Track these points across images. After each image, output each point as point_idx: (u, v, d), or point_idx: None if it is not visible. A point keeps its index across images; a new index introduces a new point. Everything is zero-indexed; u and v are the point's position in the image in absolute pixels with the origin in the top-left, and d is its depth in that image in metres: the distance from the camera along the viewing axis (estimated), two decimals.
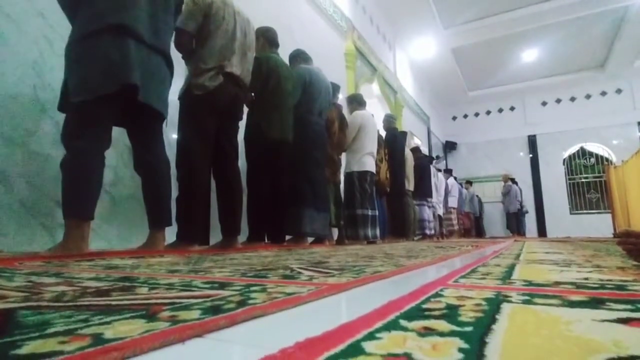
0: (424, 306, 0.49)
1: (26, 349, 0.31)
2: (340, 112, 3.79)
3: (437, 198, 6.94)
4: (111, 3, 1.67)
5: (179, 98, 2.23)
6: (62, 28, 1.96)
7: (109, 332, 0.35)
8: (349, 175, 3.93)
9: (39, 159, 1.97)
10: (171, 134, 2.50)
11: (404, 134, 5.65)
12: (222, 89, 2.21)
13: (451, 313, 0.44)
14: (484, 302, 0.51)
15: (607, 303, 0.50)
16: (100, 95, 1.60)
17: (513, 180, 9.90)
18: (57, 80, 1.87)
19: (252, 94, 2.77)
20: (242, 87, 2.41)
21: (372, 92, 6.63)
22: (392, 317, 0.42)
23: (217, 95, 2.20)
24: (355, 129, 3.93)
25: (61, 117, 1.72)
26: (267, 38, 2.88)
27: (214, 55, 2.20)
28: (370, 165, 3.99)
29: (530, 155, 10.87)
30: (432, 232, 6.26)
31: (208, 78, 2.16)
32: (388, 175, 4.71)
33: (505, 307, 0.48)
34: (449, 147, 11.71)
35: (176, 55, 2.18)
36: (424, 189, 6.02)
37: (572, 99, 10.57)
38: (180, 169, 2.16)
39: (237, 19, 2.34)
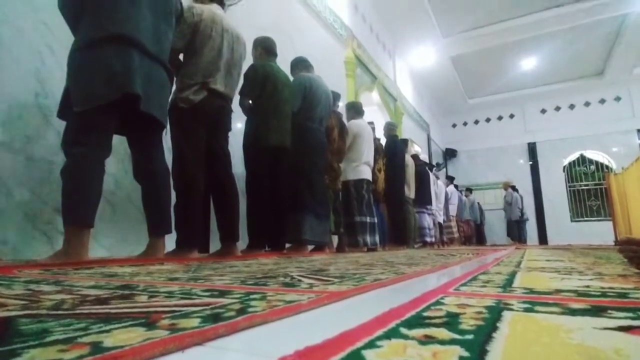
0: (425, 314, 0.49)
1: (25, 357, 0.30)
2: (340, 119, 3.80)
3: (437, 205, 6.94)
4: (114, 13, 1.68)
5: (167, 112, 2.24)
6: (64, 36, 1.97)
7: (108, 341, 0.35)
8: (345, 184, 3.93)
9: (40, 166, 1.97)
10: (170, 142, 2.51)
11: (405, 141, 5.66)
12: (206, 102, 2.24)
13: (452, 321, 0.44)
14: (484, 310, 0.51)
15: (609, 311, 0.50)
16: (102, 103, 1.61)
17: (514, 188, 9.91)
18: (58, 88, 1.88)
19: (250, 101, 2.78)
20: (228, 101, 2.43)
21: (372, 100, 6.67)
22: (392, 325, 0.42)
23: (202, 107, 2.22)
24: (350, 137, 3.94)
25: (62, 124, 1.73)
26: (264, 47, 2.90)
27: (199, 71, 2.23)
28: (366, 173, 4.00)
29: (530, 163, 10.89)
30: (433, 239, 6.24)
31: (192, 92, 2.19)
32: (384, 185, 4.71)
33: (506, 315, 0.48)
34: (449, 154, 11.74)
35: None
36: (424, 197, 6.01)
37: (572, 107, 10.62)
38: (176, 178, 2.18)
39: (225, 36, 2.35)
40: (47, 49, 2.06)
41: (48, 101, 2.03)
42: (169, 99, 2.23)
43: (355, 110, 4.23)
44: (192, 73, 2.22)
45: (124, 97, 1.66)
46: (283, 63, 3.13)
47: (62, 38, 2.03)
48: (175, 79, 2.28)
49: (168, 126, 2.02)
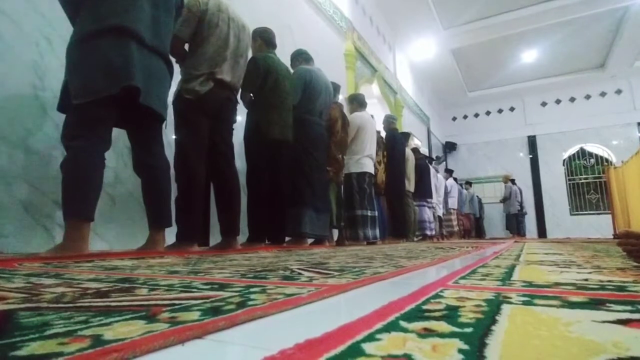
0: (424, 307, 0.49)
1: (26, 350, 0.31)
2: (342, 111, 3.79)
3: (437, 199, 6.94)
4: (113, 5, 1.67)
5: (172, 102, 2.23)
6: (62, 28, 1.96)
7: (108, 334, 0.35)
8: (347, 177, 3.93)
9: (39, 159, 1.97)
10: (170, 135, 2.50)
11: (406, 135, 5.65)
12: (212, 94, 2.23)
13: (451, 314, 0.44)
14: (484, 303, 0.51)
15: (607, 304, 0.50)
16: (102, 96, 1.60)
17: (512, 181, 9.91)
18: (57, 81, 1.87)
19: (251, 94, 2.77)
20: (234, 91, 2.42)
21: (372, 92, 6.64)
22: (392, 318, 0.42)
23: (208, 99, 2.21)
24: (353, 130, 3.92)
25: (61, 117, 1.72)
26: (264, 39, 2.88)
27: (205, 61, 2.22)
28: (368, 166, 3.99)
29: (530, 156, 10.88)
30: (432, 233, 6.26)
31: (199, 83, 2.18)
32: (384, 178, 4.71)
33: (505, 308, 0.48)
34: (449, 147, 11.71)
35: (173, 58, 2.18)
36: (423, 190, 6.02)
37: (572, 100, 10.58)
38: (178, 171, 2.18)
39: (231, 26, 2.34)
40: (45, 41, 2.04)
41: (46, 94, 2.02)
42: (175, 90, 2.22)
43: (358, 102, 4.21)
44: (198, 63, 2.21)
45: (124, 90, 1.65)
46: (282, 55, 3.10)
47: (61, 30, 2.02)
48: (180, 69, 2.27)
49: (168, 119, 2.01)
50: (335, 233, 3.90)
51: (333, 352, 0.30)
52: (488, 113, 11.72)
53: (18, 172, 1.88)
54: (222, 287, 0.69)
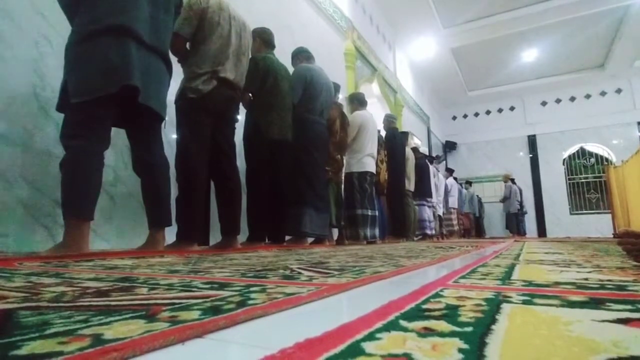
0: (424, 306, 0.49)
1: (26, 349, 0.31)
2: (341, 111, 3.79)
3: (437, 198, 6.94)
4: (112, 4, 1.66)
5: (175, 102, 2.23)
6: (62, 28, 1.96)
7: (108, 333, 0.35)
8: (348, 176, 3.93)
9: (39, 159, 1.97)
10: (170, 134, 2.50)
11: (406, 134, 5.65)
12: (216, 92, 2.22)
13: (451, 313, 0.44)
14: (484, 303, 0.51)
15: (607, 303, 0.50)
16: (100, 95, 1.60)
17: (513, 181, 9.91)
18: (57, 80, 1.87)
19: (250, 95, 2.77)
20: (237, 90, 2.42)
21: (371, 92, 6.64)
22: (392, 317, 0.42)
23: (211, 98, 2.21)
24: (355, 129, 3.92)
25: (61, 117, 1.72)
26: (263, 39, 2.88)
27: (208, 60, 2.21)
28: (370, 165, 3.99)
29: (530, 155, 10.88)
30: (432, 232, 6.26)
31: (202, 82, 2.18)
32: (387, 177, 4.71)
33: (505, 307, 0.48)
34: (449, 147, 11.71)
35: (175, 57, 2.19)
36: (424, 189, 6.02)
37: (572, 99, 10.58)
38: (179, 170, 2.18)
39: (233, 24, 2.34)
40: (44, 41, 2.04)
41: (46, 93, 2.02)
42: (178, 89, 2.22)
43: (359, 101, 4.22)
44: (200, 62, 2.21)
45: (123, 89, 1.65)
46: (282, 55, 3.10)
47: (60, 29, 2.01)
48: (182, 68, 2.27)
49: (168, 118, 2.01)
50: (335, 232, 3.89)
51: (333, 351, 0.30)
52: (488, 112, 11.72)
53: (18, 171, 1.88)
54: (222, 286, 0.69)
